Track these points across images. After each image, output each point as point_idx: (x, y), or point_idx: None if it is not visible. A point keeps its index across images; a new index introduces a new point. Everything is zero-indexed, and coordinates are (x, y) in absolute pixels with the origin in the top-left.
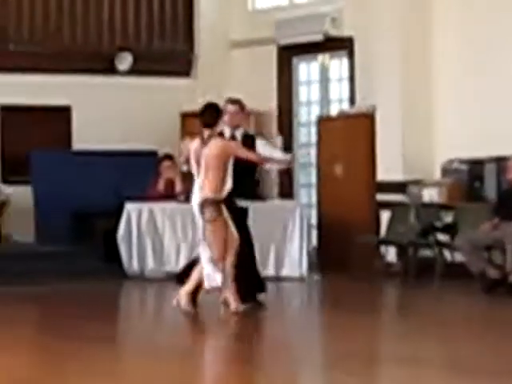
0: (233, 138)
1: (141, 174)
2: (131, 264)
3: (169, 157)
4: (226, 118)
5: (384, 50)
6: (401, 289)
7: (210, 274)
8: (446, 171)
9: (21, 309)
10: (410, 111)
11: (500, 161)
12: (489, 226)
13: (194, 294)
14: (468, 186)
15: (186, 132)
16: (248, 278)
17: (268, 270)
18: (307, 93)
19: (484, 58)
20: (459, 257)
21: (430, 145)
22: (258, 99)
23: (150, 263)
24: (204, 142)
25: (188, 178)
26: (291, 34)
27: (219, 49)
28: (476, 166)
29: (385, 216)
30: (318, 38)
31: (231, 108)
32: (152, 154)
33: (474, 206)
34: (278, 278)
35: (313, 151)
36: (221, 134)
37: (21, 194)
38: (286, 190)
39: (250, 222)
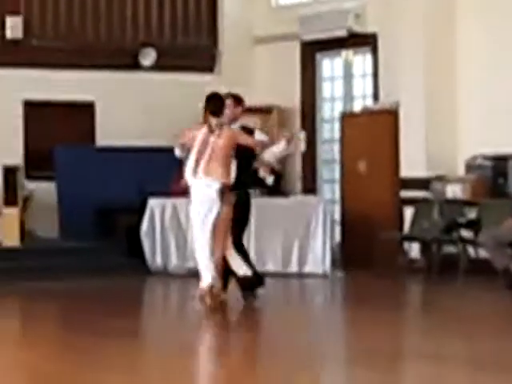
0: None
1: (164, 169)
2: (154, 260)
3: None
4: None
5: (408, 45)
6: (424, 285)
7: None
8: (469, 167)
9: (44, 304)
10: (434, 107)
11: None
12: None
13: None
14: (492, 182)
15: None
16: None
17: (291, 267)
18: (331, 89)
19: (509, 54)
20: (483, 253)
21: (453, 141)
22: (281, 95)
23: (174, 259)
24: (211, 131)
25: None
26: (315, 29)
27: (243, 44)
28: (500, 162)
29: (408, 212)
30: (342, 33)
31: (227, 101)
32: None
33: (497, 202)
34: (301, 275)
35: (336, 147)
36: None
37: (44, 190)
38: (310, 186)
39: (274, 217)
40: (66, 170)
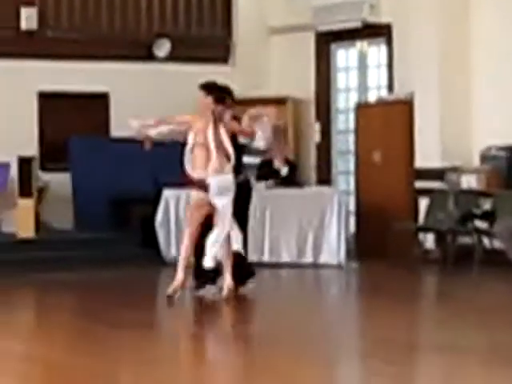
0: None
1: (178, 160)
2: (169, 250)
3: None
4: None
5: (422, 36)
6: (439, 276)
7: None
8: (484, 158)
9: (59, 295)
10: (449, 98)
11: None
12: None
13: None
14: (506, 173)
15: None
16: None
17: (306, 258)
18: (345, 79)
19: None
20: (498, 244)
21: (468, 131)
22: (295, 86)
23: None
24: (221, 119)
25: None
26: (329, 20)
27: (257, 35)
28: None
29: (423, 203)
30: (357, 24)
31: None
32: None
33: None
34: (315, 265)
35: (351, 138)
36: None
37: (59, 181)
38: (324, 177)
39: (288, 208)
40: (80, 161)
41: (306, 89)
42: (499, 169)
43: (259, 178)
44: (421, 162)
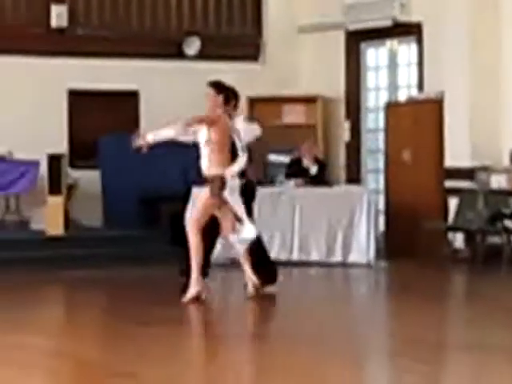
0: None
1: None
2: None
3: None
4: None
5: (452, 35)
6: (468, 275)
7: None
8: None
9: (88, 293)
10: (479, 97)
11: None
12: None
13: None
14: None
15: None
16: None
17: (335, 256)
18: (375, 78)
19: None
20: None
21: (498, 131)
22: (325, 84)
23: (216, 248)
24: (230, 119)
25: (256, 163)
26: (359, 19)
27: (287, 33)
28: None
29: (453, 202)
30: (387, 23)
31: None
32: None
33: None
34: (345, 264)
35: (380, 137)
36: None
37: (89, 179)
38: (354, 176)
39: (318, 207)
40: (110, 158)
41: (336, 87)
42: None
43: (288, 176)
44: (450, 161)
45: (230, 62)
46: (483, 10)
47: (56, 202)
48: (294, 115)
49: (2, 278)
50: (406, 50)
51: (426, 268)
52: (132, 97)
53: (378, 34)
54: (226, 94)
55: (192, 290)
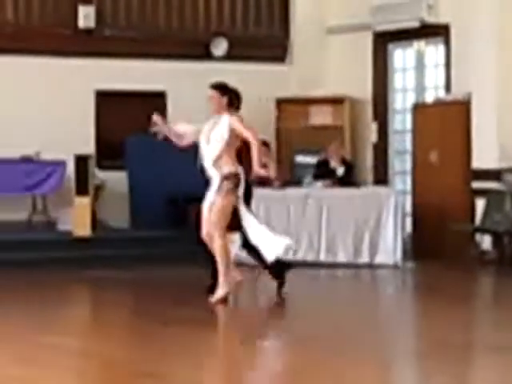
0: None
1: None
2: None
3: (264, 143)
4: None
5: (480, 36)
6: (495, 277)
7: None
8: None
9: (115, 293)
10: (506, 98)
11: None
12: None
13: None
14: None
15: (281, 118)
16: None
17: (362, 258)
18: (403, 79)
19: None
20: None
21: None
22: (353, 85)
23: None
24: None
25: (283, 164)
26: (387, 20)
27: (315, 35)
28: None
29: (480, 204)
30: (414, 24)
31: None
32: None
33: None
34: (372, 266)
35: (408, 138)
36: None
37: (116, 180)
38: (381, 177)
39: (345, 208)
40: (137, 159)
41: (363, 89)
42: None
43: (316, 177)
44: (478, 162)
45: (257, 63)
46: (511, 11)
47: (83, 202)
48: (321, 116)
49: (30, 279)
50: (434, 51)
51: (453, 269)
52: (159, 97)
53: (405, 35)
54: (230, 95)
55: (220, 292)
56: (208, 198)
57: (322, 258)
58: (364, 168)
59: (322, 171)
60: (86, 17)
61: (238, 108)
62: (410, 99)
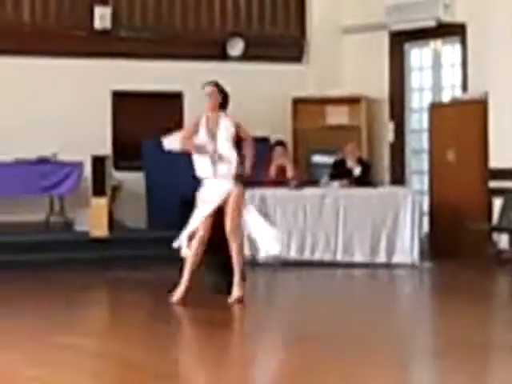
0: None
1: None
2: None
3: (281, 143)
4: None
5: (497, 35)
6: None
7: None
8: None
9: (132, 294)
10: None
11: None
12: None
13: None
14: None
15: (298, 118)
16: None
17: (379, 257)
18: (419, 79)
19: None
20: None
21: None
22: (369, 85)
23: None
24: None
25: (300, 165)
26: (403, 19)
27: (331, 34)
28: None
29: (497, 203)
30: (431, 24)
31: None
32: (263, 140)
33: None
34: (389, 265)
35: (425, 137)
36: None
37: (133, 180)
38: (398, 177)
39: (362, 208)
40: (154, 160)
41: (380, 88)
42: None
43: (332, 177)
44: (495, 161)
45: (273, 63)
46: None
47: (100, 203)
48: (337, 116)
49: (47, 280)
50: (450, 51)
51: (470, 269)
52: (176, 98)
53: (421, 35)
54: (225, 95)
55: (238, 292)
56: (214, 200)
57: (339, 257)
58: (381, 168)
59: (339, 171)
60: (102, 18)
61: (225, 109)
62: (427, 98)
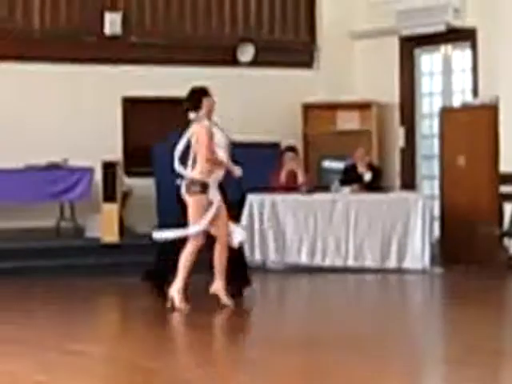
0: None
1: (263, 165)
2: (253, 255)
3: (291, 148)
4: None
5: (507, 40)
6: None
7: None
8: None
9: (143, 300)
10: None
11: None
12: None
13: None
14: None
15: (309, 123)
16: (235, 272)
17: (390, 263)
18: (430, 84)
19: None
20: None
21: None
22: (380, 90)
23: (272, 254)
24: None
25: (310, 170)
26: (413, 24)
27: (341, 40)
28: None
29: (508, 208)
30: (441, 28)
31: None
32: (274, 146)
33: None
34: (399, 271)
35: (435, 143)
36: None
37: (144, 186)
38: (409, 182)
39: (373, 214)
40: (164, 165)
41: (390, 93)
42: None
43: (343, 182)
44: (506, 166)
45: (283, 69)
46: None
47: (111, 209)
48: (348, 121)
49: (58, 286)
50: (460, 56)
51: (482, 274)
52: None
53: (431, 40)
54: None
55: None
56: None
57: (350, 263)
58: (392, 173)
59: (350, 176)
60: (112, 23)
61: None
62: (437, 104)
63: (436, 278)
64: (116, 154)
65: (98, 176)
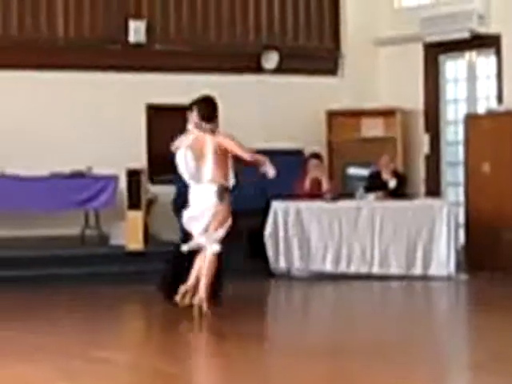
0: None
1: (287, 172)
2: (278, 262)
3: (316, 155)
4: None
5: None
6: None
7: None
8: None
9: (168, 307)
10: None
11: None
12: None
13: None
14: None
15: (333, 130)
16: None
17: (415, 269)
18: (454, 91)
19: None
20: None
21: None
22: (404, 97)
23: (297, 262)
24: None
25: (335, 177)
26: (438, 31)
27: (365, 47)
28: None
29: None
30: (465, 35)
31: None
32: (298, 153)
33: None
34: (425, 277)
35: (460, 149)
36: None
37: (168, 194)
38: (434, 189)
39: (398, 221)
40: None
41: (415, 100)
42: None
43: (368, 189)
44: None
45: (308, 76)
46: None
47: (135, 216)
48: (372, 128)
49: (82, 294)
50: (485, 62)
51: (507, 281)
52: None
53: (456, 46)
54: None
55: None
56: None
57: (375, 270)
58: (416, 180)
59: (375, 183)
60: (136, 31)
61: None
62: (462, 110)
63: (461, 285)
64: (140, 161)
65: (123, 184)
